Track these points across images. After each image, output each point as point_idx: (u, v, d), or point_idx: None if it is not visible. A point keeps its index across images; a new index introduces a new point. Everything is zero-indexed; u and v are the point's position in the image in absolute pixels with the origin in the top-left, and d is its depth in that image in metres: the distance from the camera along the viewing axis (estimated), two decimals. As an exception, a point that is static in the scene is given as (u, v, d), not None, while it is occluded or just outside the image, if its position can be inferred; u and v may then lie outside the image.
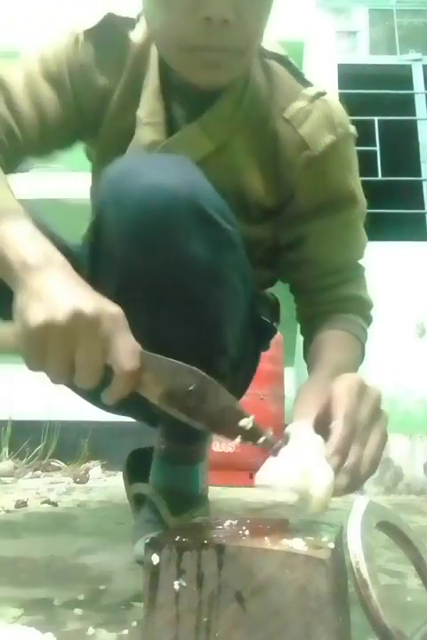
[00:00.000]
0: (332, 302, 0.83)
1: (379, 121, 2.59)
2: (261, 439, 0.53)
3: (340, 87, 2.24)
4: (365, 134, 2.65)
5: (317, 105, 0.78)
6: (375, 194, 2.74)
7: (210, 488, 1.07)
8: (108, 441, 2.35)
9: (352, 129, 0.81)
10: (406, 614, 0.62)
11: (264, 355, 1.02)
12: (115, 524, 1.17)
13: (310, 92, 0.79)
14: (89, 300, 0.51)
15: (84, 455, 2.19)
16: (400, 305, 2.22)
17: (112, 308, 0.52)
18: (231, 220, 0.71)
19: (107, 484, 1.91)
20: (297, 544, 0.45)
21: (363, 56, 3.02)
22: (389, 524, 0.51)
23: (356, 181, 0.82)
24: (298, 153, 0.78)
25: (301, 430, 0.56)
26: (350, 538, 0.43)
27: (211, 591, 0.45)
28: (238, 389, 0.93)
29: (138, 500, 0.98)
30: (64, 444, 2.18)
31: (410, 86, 2.82)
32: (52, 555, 0.86)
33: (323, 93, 0.79)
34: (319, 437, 0.55)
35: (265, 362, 1.29)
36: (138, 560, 0.81)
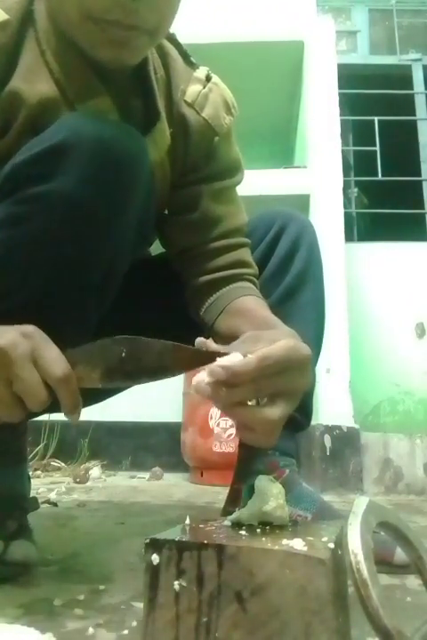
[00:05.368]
0: (228, 266, 0.83)
1: (379, 121, 2.59)
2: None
3: (340, 87, 2.23)
4: (365, 134, 2.65)
5: (211, 88, 0.84)
6: (375, 194, 2.77)
7: (210, 488, 1.06)
8: (108, 441, 2.36)
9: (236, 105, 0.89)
10: (406, 614, 0.62)
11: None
12: (115, 524, 1.17)
13: (200, 74, 0.84)
14: None
15: (84, 455, 2.19)
16: (400, 305, 2.22)
17: (24, 329, 0.54)
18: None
19: (107, 484, 1.91)
20: (297, 544, 0.45)
21: (363, 56, 3.02)
22: (389, 524, 0.50)
23: (238, 152, 0.91)
24: (203, 134, 0.83)
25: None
26: (350, 538, 0.43)
27: (211, 591, 0.45)
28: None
29: None
30: (64, 444, 2.18)
31: (410, 86, 2.82)
32: (52, 555, 0.86)
33: (210, 76, 0.85)
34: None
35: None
36: None
